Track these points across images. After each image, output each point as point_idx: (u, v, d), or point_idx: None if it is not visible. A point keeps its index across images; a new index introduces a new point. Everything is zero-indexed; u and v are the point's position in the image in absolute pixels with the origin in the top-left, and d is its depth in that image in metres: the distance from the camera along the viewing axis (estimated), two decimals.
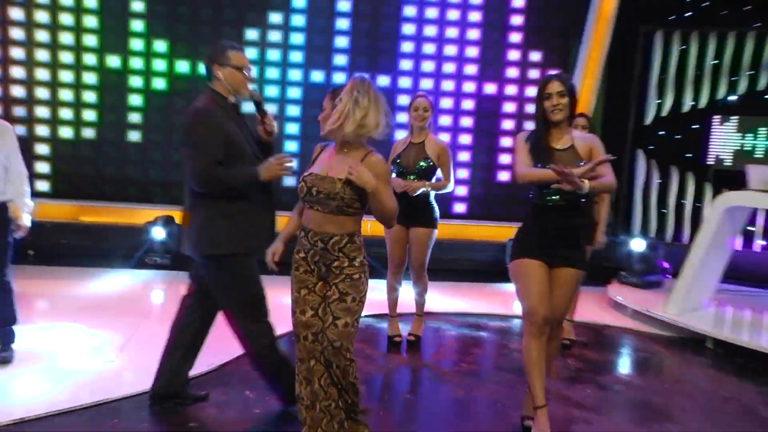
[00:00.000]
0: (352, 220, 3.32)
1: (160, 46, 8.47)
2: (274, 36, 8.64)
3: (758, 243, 8.73)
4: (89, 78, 8.47)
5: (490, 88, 8.92)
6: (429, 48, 8.83)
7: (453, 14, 8.80)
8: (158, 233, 7.74)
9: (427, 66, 8.84)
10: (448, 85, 8.90)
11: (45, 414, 3.89)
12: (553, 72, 3.93)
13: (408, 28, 8.78)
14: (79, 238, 8.01)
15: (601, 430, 4.22)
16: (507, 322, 6.52)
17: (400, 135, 6.13)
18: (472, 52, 8.85)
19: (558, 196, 3.65)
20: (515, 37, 8.85)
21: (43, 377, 4.44)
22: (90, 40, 8.39)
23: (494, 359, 5.45)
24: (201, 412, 4.07)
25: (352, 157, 3.29)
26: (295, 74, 8.68)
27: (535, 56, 8.90)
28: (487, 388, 4.81)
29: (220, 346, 5.03)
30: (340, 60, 8.75)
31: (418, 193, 5.12)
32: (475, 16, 8.80)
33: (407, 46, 8.80)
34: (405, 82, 8.83)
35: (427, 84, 8.78)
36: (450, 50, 8.84)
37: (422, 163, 5.23)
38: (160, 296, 6.78)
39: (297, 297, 3.38)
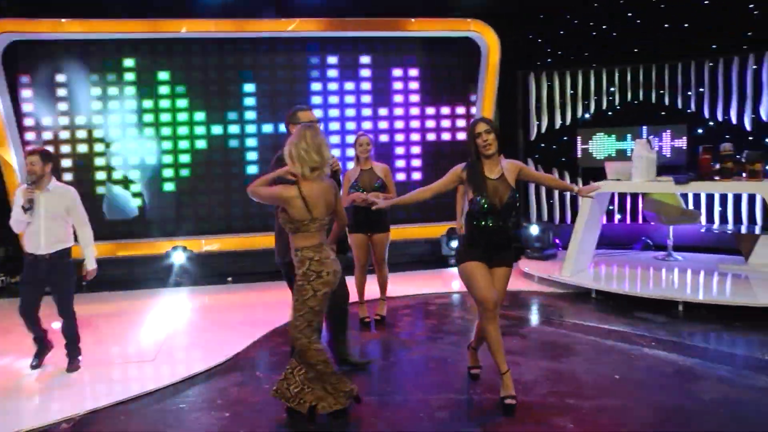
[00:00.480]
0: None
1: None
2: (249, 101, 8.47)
3: (616, 217, 8.99)
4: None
5: (381, 124, 8.95)
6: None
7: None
8: (178, 259, 7.69)
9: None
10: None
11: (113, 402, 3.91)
12: (478, 117, 3.99)
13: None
14: (116, 269, 7.80)
15: (527, 367, 4.35)
16: (447, 298, 6.58)
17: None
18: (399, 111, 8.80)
19: (491, 222, 3.61)
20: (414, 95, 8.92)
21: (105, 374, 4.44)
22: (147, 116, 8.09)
23: (441, 327, 5.49)
24: (225, 391, 4.09)
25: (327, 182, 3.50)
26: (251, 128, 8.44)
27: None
28: (439, 349, 4.87)
29: (232, 339, 5.10)
30: None
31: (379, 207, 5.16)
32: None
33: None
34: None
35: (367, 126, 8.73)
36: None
37: (376, 184, 5.30)
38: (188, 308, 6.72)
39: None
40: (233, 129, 8.32)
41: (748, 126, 8.15)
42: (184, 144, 8.19)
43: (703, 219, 8.16)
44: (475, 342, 4.05)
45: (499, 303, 3.68)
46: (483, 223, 3.63)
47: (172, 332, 5.54)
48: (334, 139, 8.50)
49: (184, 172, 8.20)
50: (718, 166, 5.88)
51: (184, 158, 8.19)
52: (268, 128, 8.37)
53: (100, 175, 7.99)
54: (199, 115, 8.19)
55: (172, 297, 7.02)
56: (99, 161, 7.98)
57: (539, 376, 4.13)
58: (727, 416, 3.52)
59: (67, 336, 4.52)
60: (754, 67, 8.05)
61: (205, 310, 6.39)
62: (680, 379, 4.08)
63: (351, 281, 5.49)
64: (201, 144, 8.21)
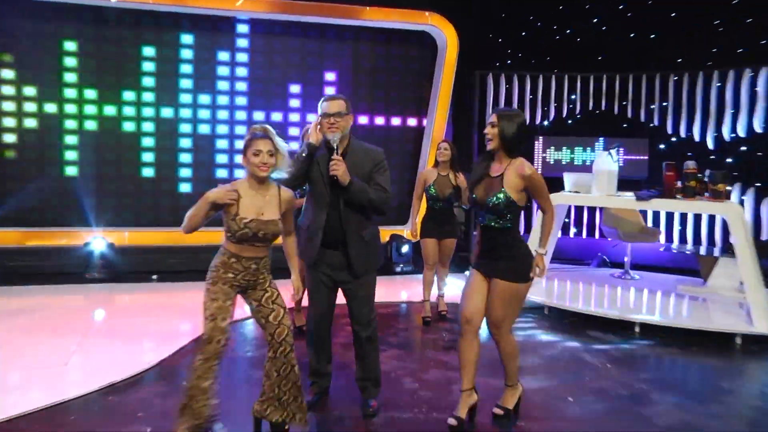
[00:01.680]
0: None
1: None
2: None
3: (572, 231, 9.22)
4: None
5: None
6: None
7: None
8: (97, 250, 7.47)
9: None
10: None
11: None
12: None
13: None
14: (26, 260, 7.55)
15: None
16: (394, 308, 6.62)
17: None
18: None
19: (491, 220, 3.60)
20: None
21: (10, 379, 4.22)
22: (29, 90, 7.74)
23: (384, 339, 5.47)
24: (147, 402, 3.98)
25: (272, 193, 3.38)
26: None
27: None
28: (383, 362, 4.86)
29: (156, 344, 4.98)
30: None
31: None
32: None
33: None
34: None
35: None
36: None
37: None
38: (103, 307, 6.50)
39: (222, 305, 3.29)
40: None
41: (710, 144, 8.52)
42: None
43: (662, 238, 8.46)
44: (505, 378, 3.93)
45: (483, 321, 3.70)
46: (480, 222, 3.70)
47: (87, 335, 5.33)
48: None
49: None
50: (680, 185, 6.09)
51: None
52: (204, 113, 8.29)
53: None
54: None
55: (89, 294, 6.80)
56: None
57: (488, 395, 4.15)
58: None
59: None
60: (719, 84, 8.44)
61: (126, 311, 6.21)
62: (634, 403, 4.21)
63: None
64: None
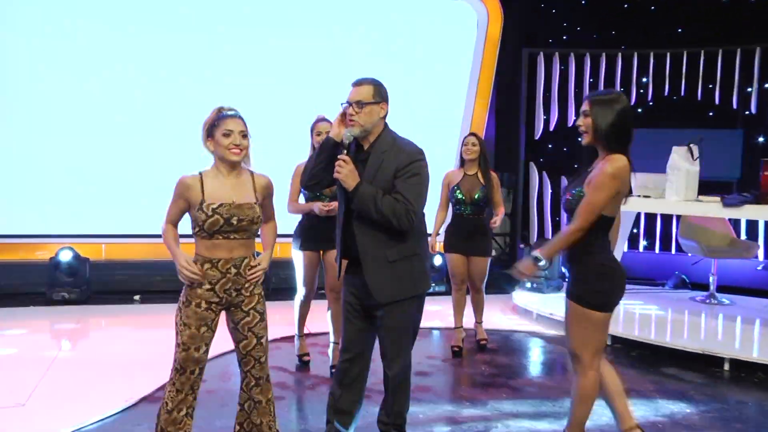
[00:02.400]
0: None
1: None
2: None
3: (641, 244, 9.02)
4: None
5: None
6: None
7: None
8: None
9: None
10: None
11: None
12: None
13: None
14: None
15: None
16: (423, 335, 6.46)
17: None
18: None
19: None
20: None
21: None
22: None
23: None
24: None
25: (244, 179, 3.34)
26: None
27: None
28: None
29: (137, 377, 4.89)
30: None
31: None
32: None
33: None
34: None
35: None
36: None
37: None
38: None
39: (195, 333, 3.24)
40: None
41: None
42: None
43: (760, 253, 8.19)
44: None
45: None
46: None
47: (54, 366, 5.27)
48: None
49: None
50: None
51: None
52: None
53: None
54: None
55: (55, 318, 6.77)
56: None
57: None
58: None
59: None
60: None
61: (100, 338, 6.18)
62: None
63: None
64: None
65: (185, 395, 3.28)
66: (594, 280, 3.45)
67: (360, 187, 3.37)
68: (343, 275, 3.71)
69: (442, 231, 6.00)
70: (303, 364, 5.45)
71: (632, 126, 3.48)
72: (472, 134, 6.00)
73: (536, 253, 3.46)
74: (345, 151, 3.42)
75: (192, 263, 3.21)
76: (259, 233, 3.47)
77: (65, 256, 7.43)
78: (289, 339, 6.08)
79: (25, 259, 7.71)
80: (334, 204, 4.64)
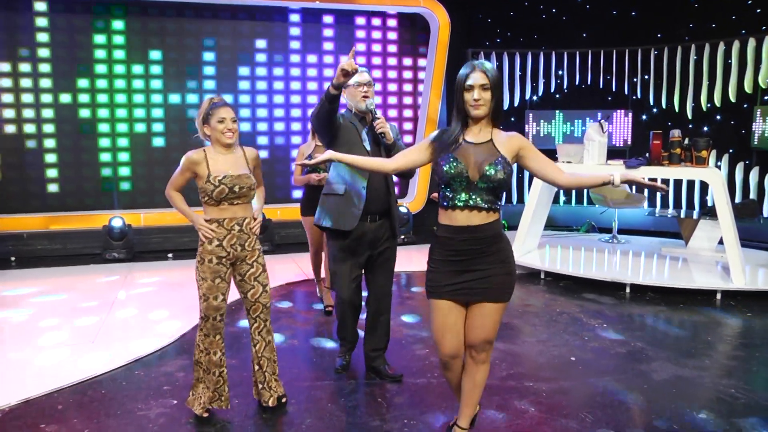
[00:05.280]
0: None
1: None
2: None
3: (561, 199, 9.14)
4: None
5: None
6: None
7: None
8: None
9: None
10: None
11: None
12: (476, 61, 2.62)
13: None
14: (50, 243, 7.44)
15: None
16: (396, 277, 6.52)
17: None
18: None
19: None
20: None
21: (41, 358, 4.10)
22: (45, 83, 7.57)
23: (393, 307, 5.37)
24: (171, 376, 3.88)
25: (238, 154, 3.27)
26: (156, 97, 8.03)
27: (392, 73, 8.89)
28: (393, 330, 4.79)
29: (177, 319, 4.87)
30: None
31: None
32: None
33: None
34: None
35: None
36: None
37: None
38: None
39: (211, 285, 3.20)
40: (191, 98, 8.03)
41: (689, 114, 8.40)
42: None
43: (645, 203, 8.40)
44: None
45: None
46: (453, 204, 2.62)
47: (112, 312, 5.24)
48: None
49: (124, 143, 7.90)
50: (666, 153, 6.00)
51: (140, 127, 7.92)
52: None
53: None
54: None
55: (110, 274, 6.66)
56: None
57: (496, 358, 4.11)
58: (677, 395, 3.60)
59: None
60: (695, 57, 8.29)
61: (145, 288, 6.09)
62: (632, 360, 4.15)
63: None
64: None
65: (213, 337, 3.24)
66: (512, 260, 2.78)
67: (397, 139, 3.60)
68: (356, 225, 3.53)
69: None
70: (327, 314, 5.17)
71: None
72: None
73: None
74: (376, 114, 3.57)
75: (206, 222, 3.21)
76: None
77: (116, 223, 7.30)
78: (292, 284, 6.10)
79: (83, 227, 7.54)
80: (324, 175, 4.58)
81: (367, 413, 3.37)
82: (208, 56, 8.05)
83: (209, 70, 8.07)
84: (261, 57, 8.25)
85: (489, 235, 2.61)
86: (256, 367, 3.39)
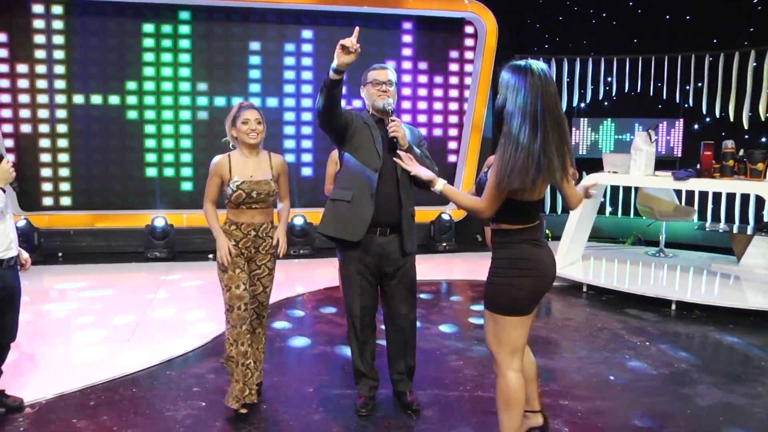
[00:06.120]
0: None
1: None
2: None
3: (607, 210, 8.90)
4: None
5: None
6: None
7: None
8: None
9: None
10: None
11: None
12: None
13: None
14: (94, 241, 7.65)
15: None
16: (436, 286, 6.43)
17: None
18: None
19: None
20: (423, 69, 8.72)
21: (77, 354, 4.18)
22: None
23: (429, 317, 5.30)
24: (202, 378, 3.89)
25: (262, 158, 3.35)
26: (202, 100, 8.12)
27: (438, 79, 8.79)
28: (428, 340, 4.68)
29: (211, 320, 4.88)
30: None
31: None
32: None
33: None
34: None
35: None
36: None
37: None
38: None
39: (231, 275, 3.27)
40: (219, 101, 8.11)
41: (745, 124, 8.05)
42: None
43: (695, 216, 8.09)
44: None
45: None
46: None
47: (150, 310, 5.32)
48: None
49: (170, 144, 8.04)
50: (718, 164, 5.75)
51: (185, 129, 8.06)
52: (272, 102, 8.20)
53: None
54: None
55: (150, 273, 6.79)
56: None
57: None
58: (724, 423, 3.40)
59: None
60: (754, 64, 7.93)
61: (183, 289, 6.17)
62: (675, 382, 3.96)
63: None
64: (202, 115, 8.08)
65: (240, 328, 3.28)
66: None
67: (412, 145, 3.19)
68: (363, 233, 3.19)
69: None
70: None
71: None
72: None
73: None
74: (391, 116, 3.19)
75: (228, 248, 3.24)
76: (277, 209, 3.46)
77: (159, 223, 7.43)
78: (330, 289, 6.06)
79: (127, 225, 7.72)
80: None
81: (395, 425, 3.30)
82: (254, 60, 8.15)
83: (254, 74, 8.15)
84: (307, 61, 8.29)
85: None
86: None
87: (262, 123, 3.29)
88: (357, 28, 2.93)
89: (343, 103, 3.16)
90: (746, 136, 7.90)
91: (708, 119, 8.40)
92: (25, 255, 3.38)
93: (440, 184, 2.71)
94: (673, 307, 5.56)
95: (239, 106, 3.31)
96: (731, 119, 8.16)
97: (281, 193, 3.44)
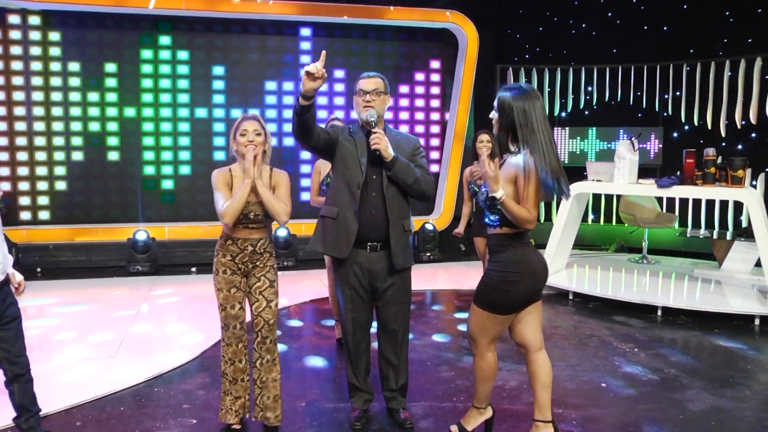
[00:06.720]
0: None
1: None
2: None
3: (590, 218, 8.96)
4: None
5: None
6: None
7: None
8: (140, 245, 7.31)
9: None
10: None
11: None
12: None
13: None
14: (74, 255, 7.50)
15: (510, 374, 4.22)
16: (423, 296, 6.42)
17: None
18: None
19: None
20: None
21: (60, 373, 4.08)
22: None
23: (418, 327, 5.28)
24: (191, 394, 3.82)
25: (263, 175, 3.17)
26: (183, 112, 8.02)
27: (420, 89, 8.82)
28: (419, 350, 4.68)
29: (198, 335, 4.81)
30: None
31: None
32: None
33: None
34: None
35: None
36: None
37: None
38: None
39: (227, 295, 3.18)
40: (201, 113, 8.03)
41: (723, 132, 8.19)
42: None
43: (676, 223, 8.19)
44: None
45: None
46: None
47: (134, 325, 5.22)
48: None
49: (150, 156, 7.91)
50: (699, 172, 5.83)
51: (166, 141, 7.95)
52: (236, 113, 8.09)
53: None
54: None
55: (133, 287, 6.67)
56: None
57: (523, 382, 3.98)
58: (716, 427, 3.42)
59: None
60: (729, 73, 8.09)
61: (168, 303, 6.07)
62: (665, 388, 3.98)
63: None
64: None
65: (236, 346, 3.22)
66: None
67: (397, 157, 3.10)
68: (349, 250, 3.17)
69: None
70: (340, 344, 4.64)
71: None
72: (484, 131, 5.14)
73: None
74: (374, 128, 3.09)
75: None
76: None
77: (140, 236, 7.30)
78: (315, 301, 6.01)
79: (108, 239, 7.57)
80: None
81: None
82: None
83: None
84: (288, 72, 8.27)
85: None
86: (256, 388, 3.28)
87: (262, 134, 3.13)
88: (324, 53, 2.85)
89: (342, 114, 3.11)
90: (723, 144, 8.04)
91: (686, 127, 8.53)
92: (18, 277, 3.09)
93: (500, 193, 2.71)
94: (659, 313, 5.60)
95: (241, 118, 3.17)
96: (709, 127, 8.30)
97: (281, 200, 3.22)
